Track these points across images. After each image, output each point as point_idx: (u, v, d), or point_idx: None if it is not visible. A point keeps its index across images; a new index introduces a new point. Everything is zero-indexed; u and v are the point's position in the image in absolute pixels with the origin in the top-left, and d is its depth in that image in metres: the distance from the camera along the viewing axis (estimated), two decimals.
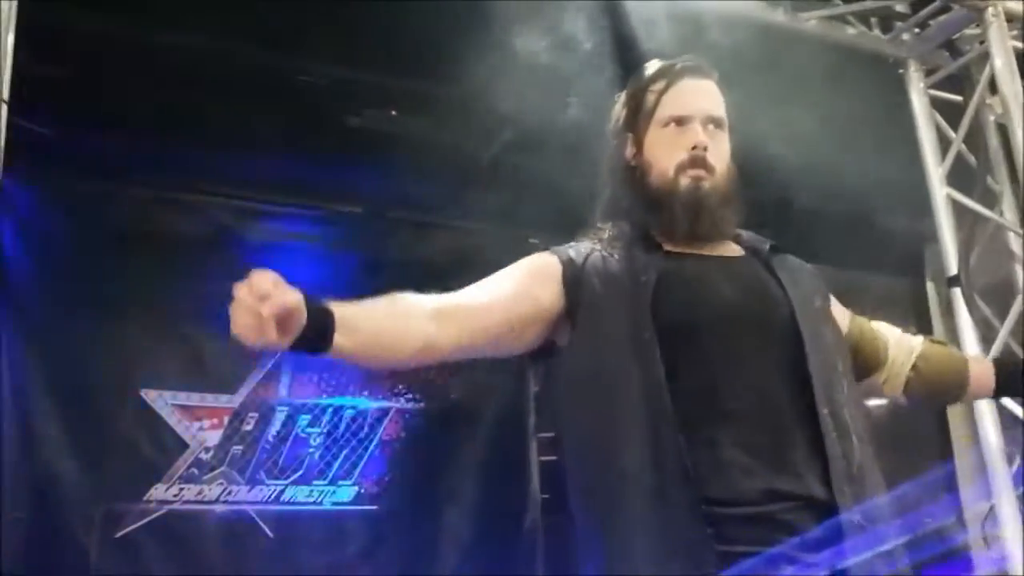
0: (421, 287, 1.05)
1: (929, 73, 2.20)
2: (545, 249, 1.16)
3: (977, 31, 2.04)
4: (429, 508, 2.73)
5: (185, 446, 2.52)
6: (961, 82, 2.13)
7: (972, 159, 2.15)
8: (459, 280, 1.10)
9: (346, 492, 2.71)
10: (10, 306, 2.33)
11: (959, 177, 2.18)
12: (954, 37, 2.11)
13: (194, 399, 2.56)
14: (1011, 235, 2.05)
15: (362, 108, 2.53)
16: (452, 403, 2.87)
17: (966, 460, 2.69)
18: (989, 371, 1.33)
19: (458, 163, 2.56)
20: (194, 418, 2.55)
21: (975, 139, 2.10)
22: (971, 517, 2.19)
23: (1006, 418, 1.92)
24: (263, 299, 0.85)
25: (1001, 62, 1.93)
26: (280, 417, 2.68)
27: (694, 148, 1.11)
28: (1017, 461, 1.88)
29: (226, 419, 2.60)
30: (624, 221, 1.16)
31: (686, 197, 1.11)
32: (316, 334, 0.93)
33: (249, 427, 2.63)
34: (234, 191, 2.62)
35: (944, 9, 2.07)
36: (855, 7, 2.05)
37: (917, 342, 1.29)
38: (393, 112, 2.56)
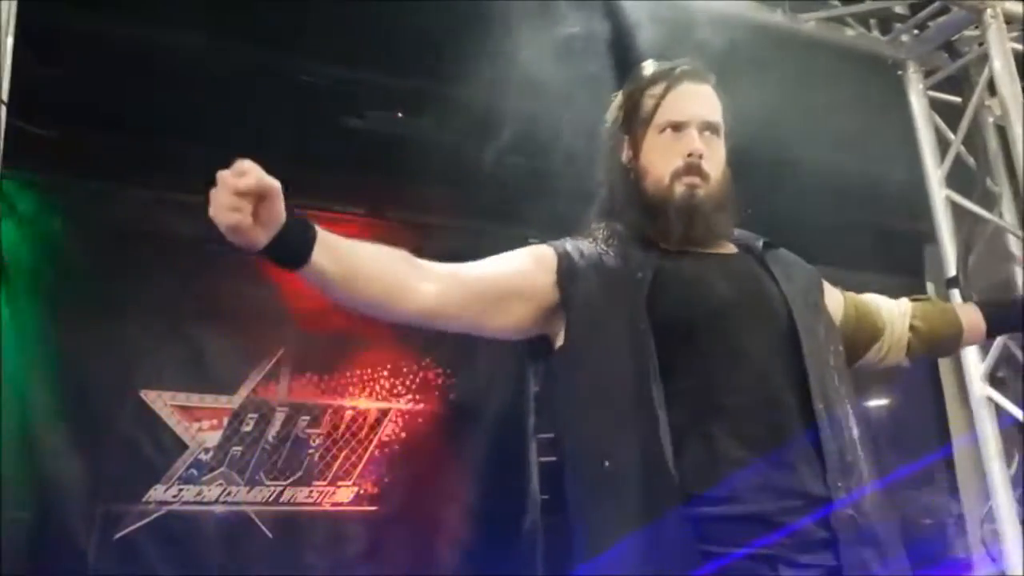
0: None
1: (928, 74, 2.20)
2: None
3: (976, 32, 2.04)
4: (428, 509, 2.73)
5: (184, 447, 2.51)
6: (960, 84, 2.13)
7: (971, 161, 2.16)
8: None
9: (346, 493, 2.70)
10: (9, 306, 2.32)
11: (958, 179, 2.18)
12: (953, 38, 2.11)
13: (194, 400, 2.55)
14: (1010, 237, 2.05)
15: (363, 109, 2.53)
16: (452, 404, 2.87)
17: (966, 460, 2.70)
18: (978, 315, 1.37)
19: (459, 164, 2.56)
20: (194, 419, 2.55)
21: (974, 141, 2.11)
22: (971, 517, 2.19)
23: (1004, 418, 1.92)
24: (241, 174, 0.88)
25: (1000, 63, 1.93)
26: (280, 418, 2.68)
27: (690, 155, 1.12)
28: (1015, 461, 1.89)
29: (226, 420, 2.59)
30: (619, 222, 1.16)
31: (681, 204, 1.12)
32: (295, 241, 0.94)
33: (248, 428, 2.63)
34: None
35: (943, 11, 2.07)
36: (854, 8, 2.05)
37: (905, 304, 1.32)
38: (394, 113, 2.57)
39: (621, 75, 1.33)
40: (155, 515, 2.41)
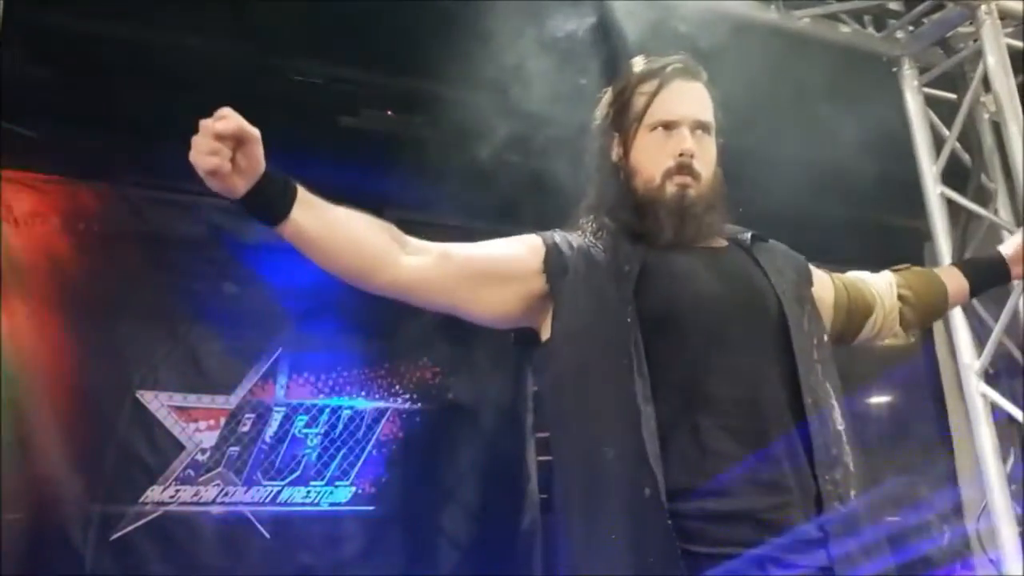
0: None
1: (923, 71, 2.19)
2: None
3: (971, 29, 2.04)
4: (426, 509, 2.73)
5: (181, 447, 2.51)
6: (955, 80, 2.13)
7: (966, 157, 2.15)
8: None
9: (343, 493, 2.70)
10: (4, 308, 2.32)
11: (954, 175, 2.18)
12: (948, 35, 2.10)
13: (190, 400, 2.55)
14: (1006, 233, 2.05)
15: (358, 108, 2.53)
16: (450, 403, 2.87)
17: (966, 459, 2.69)
18: (960, 276, 1.38)
19: (455, 162, 2.55)
20: (190, 419, 2.55)
21: (969, 137, 2.10)
22: (971, 516, 2.19)
23: (1001, 416, 1.92)
24: (220, 119, 0.91)
25: (994, 60, 1.93)
26: (277, 418, 2.68)
27: (681, 155, 1.12)
28: (1011, 459, 1.88)
29: (223, 420, 2.59)
30: (608, 217, 1.16)
31: (672, 204, 1.11)
32: (274, 194, 0.95)
33: (246, 428, 2.63)
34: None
35: (938, 7, 2.07)
36: (848, 5, 2.05)
37: (889, 276, 1.32)
38: (389, 112, 2.56)
39: (612, 71, 1.33)
40: (152, 516, 2.41)
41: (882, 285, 1.30)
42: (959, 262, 1.46)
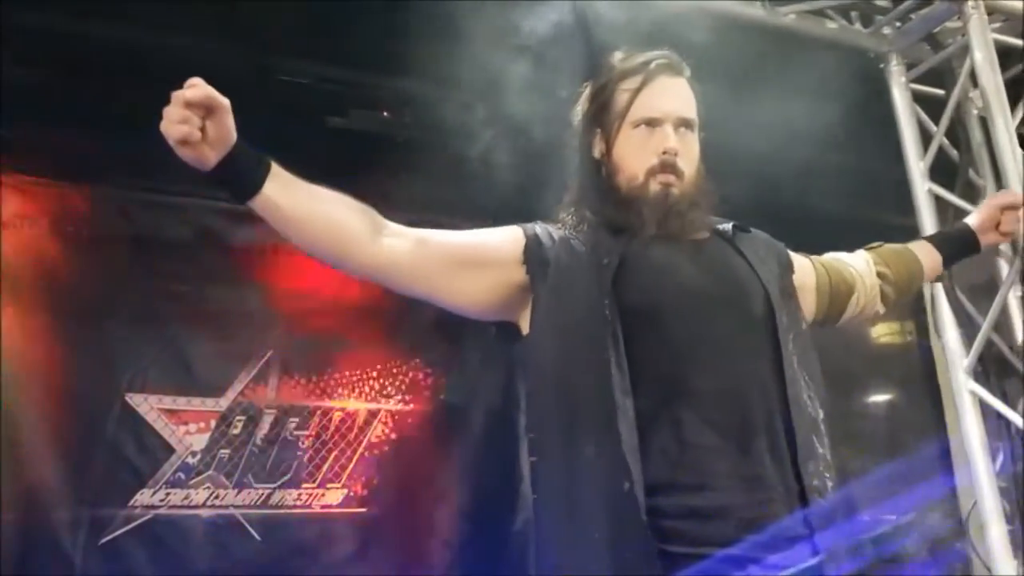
0: None
1: (911, 67, 2.19)
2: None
3: (958, 24, 2.04)
4: (419, 510, 2.72)
5: (171, 450, 2.50)
6: (943, 76, 2.13)
7: (955, 153, 2.15)
8: None
9: (335, 495, 2.69)
10: None
11: (944, 172, 2.17)
12: (935, 31, 2.10)
13: (180, 403, 2.54)
14: None
15: (347, 108, 2.52)
16: (441, 404, 2.86)
17: (963, 456, 2.68)
18: (932, 250, 1.40)
19: (444, 162, 2.55)
20: (180, 422, 2.54)
21: (957, 133, 2.10)
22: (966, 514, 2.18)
23: (990, 415, 1.92)
24: (190, 87, 0.92)
25: (981, 55, 1.92)
26: (268, 420, 2.67)
27: (665, 153, 1.11)
28: (1000, 457, 1.88)
29: (213, 422, 2.58)
30: (589, 211, 1.16)
31: (655, 203, 1.11)
32: (246, 166, 0.95)
33: (236, 430, 2.62)
34: (217, 192, 2.59)
35: (925, 3, 2.07)
36: (834, 1, 2.05)
37: (865, 254, 1.33)
38: (379, 112, 2.56)
39: (593, 66, 1.32)
40: (142, 519, 2.39)
41: (860, 264, 1.31)
42: (929, 236, 1.47)
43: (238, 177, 0.97)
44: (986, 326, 1.92)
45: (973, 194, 2.12)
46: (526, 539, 2.77)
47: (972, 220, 1.50)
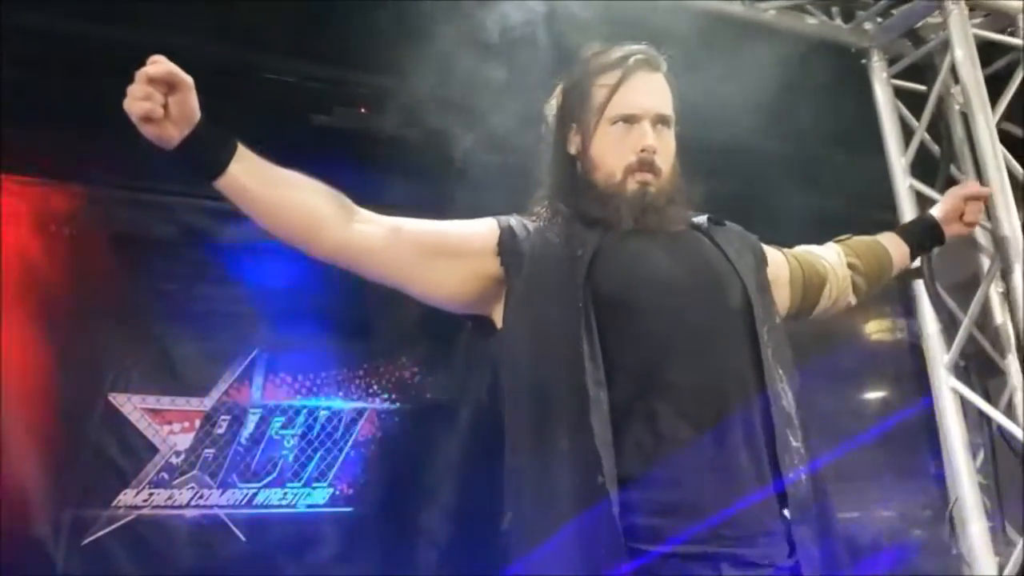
0: None
1: (892, 63, 2.19)
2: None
3: (940, 19, 2.03)
4: (405, 509, 2.71)
5: (155, 450, 2.49)
6: (924, 71, 2.12)
7: (937, 149, 2.14)
8: None
9: (321, 494, 2.68)
10: None
11: (926, 168, 2.17)
12: (917, 26, 2.10)
13: (164, 402, 2.53)
14: (976, 227, 2.04)
15: (331, 105, 2.51)
16: (428, 402, 2.85)
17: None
18: (900, 241, 1.41)
19: (429, 160, 2.54)
20: (164, 421, 2.53)
21: (939, 129, 2.10)
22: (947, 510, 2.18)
23: (973, 412, 1.91)
24: (152, 63, 0.92)
25: (962, 52, 1.92)
26: (253, 419, 2.66)
27: (643, 151, 1.10)
28: (981, 454, 1.87)
29: (197, 422, 2.57)
30: (564, 205, 1.15)
31: (632, 200, 1.10)
32: (210, 144, 0.95)
33: (221, 430, 2.61)
34: (202, 191, 2.58)
35: None
36: None
37: (835, 246, 1.34)
38: (362, 109, 2.55)
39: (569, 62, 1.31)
40: (125, 519, 2.38)
41: (831, 256, 1.31)
42: (897, 228, 1.48)
43: (202, 155, 0.96)
44: (967, 322, 1.92)
45: None
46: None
47: (936, 211, 1.52)
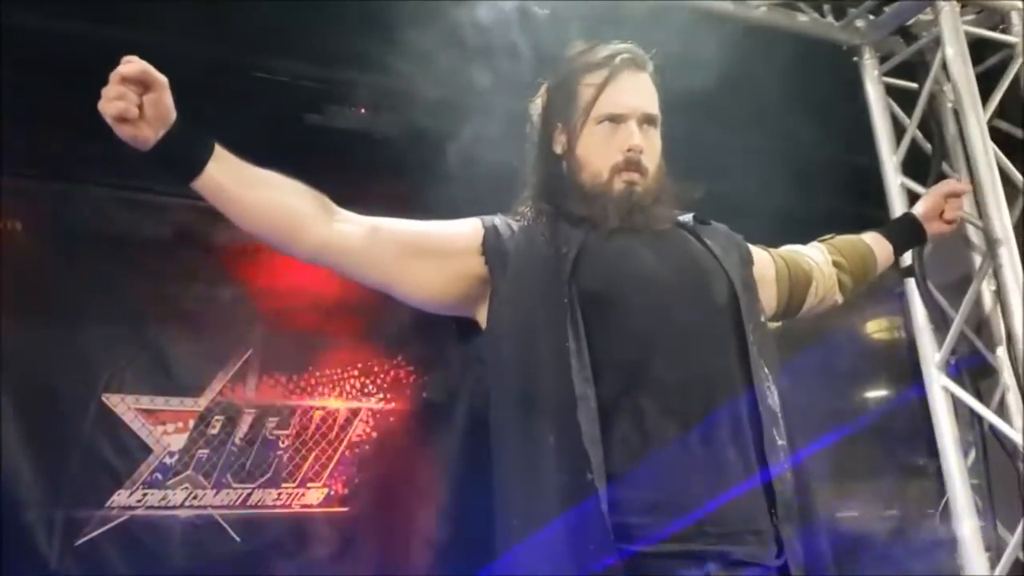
0: None
1: (884, 60, 2.19)
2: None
3: (931, 16, 2.03)
4: (401, 509, 2.70)
5: (149, 451, 2.48)
6: (916, 69, 2.12)
7: (928, 147, 2.14)
8: None
9: (315, 495, 2.68)
10: None
11: (919, 166, 2.16)
12: (908, 23, 2.10)
13: (158, 403, 2.52)
14: (968, 225, 2.03)
15: (324, 105, 2.51)
16: (423, 402, 2.85)
17: None
18: (883, 239, 1.42)
19: (423, 160, 2.54)
20: (158, 422, 2.52)
21: (930, 127, 2.09)
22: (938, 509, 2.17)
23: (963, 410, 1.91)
24: (126, 63, 0.92)
25: (953, 49, 1.92)
26: (247, 419, 2.65)
27: (630, 151, 1.10)
28: (972, 453, 1.87)
29: (191, 422, 2.56)
30: (548, 203, 1.14)
31: (619, 200, 1.10)
32: (187, 145, 0.95)
33: (215, 430, 2.60)
34: (195, 191, 2.58)
35: None
36: None
37: (819, 245, 1.34)
38: (356, 109, 2.55)
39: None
40: (118, 520, 2.38)
41: (816, 254, 1.31)
42: (879, 228, 1.49)
43: (179, 156, 0.96)
44: (958, 320, 1.91)
45: None
46: None
47: (918, 209, 1.53)
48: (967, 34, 1.97)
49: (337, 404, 2.77)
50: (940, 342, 1.96)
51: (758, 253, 1.24)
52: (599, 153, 1.12)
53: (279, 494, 2.63)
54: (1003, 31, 2.13)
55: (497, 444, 1.07)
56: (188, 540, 2.46)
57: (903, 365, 3.29)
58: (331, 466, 2.72)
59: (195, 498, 2.52)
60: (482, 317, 1.10)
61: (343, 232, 1.04)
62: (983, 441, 1.88)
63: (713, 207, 1.20)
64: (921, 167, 2.13)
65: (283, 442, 2.69)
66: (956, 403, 1.89)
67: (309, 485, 2.68)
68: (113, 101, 0.92)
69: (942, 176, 2.02)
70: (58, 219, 2.47)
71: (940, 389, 1.88)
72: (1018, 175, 2.04)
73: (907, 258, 2.00)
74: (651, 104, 1.14)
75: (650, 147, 1.13)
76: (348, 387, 2.79)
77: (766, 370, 1.05)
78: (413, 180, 2.61)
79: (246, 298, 2.62)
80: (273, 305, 2.64)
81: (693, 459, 0.96)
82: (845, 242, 1.36)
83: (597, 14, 1.76)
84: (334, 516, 2.66)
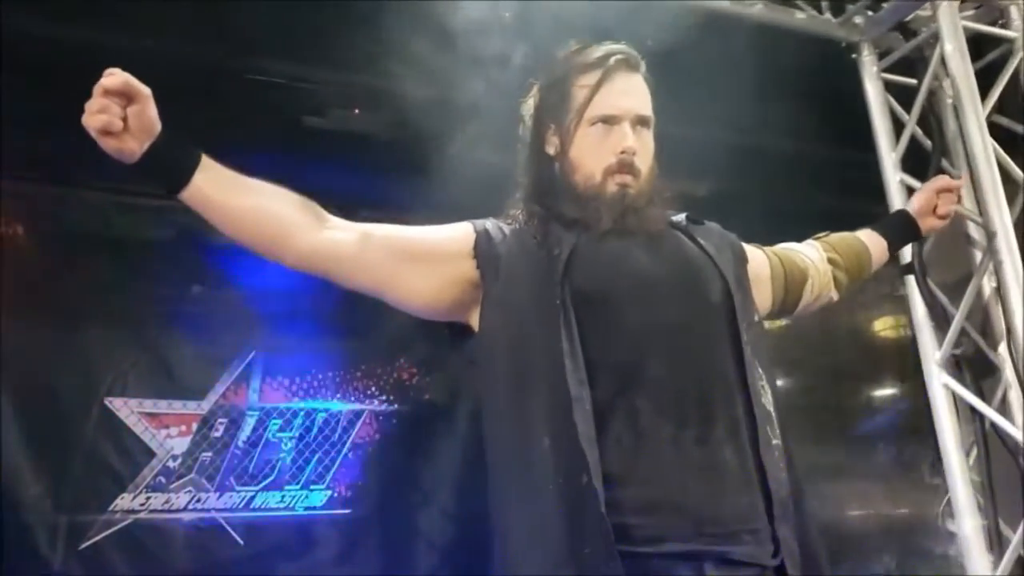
0: None
1: (883, 56, 2.18)
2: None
3: (930, 12, 2.02)
4: (403, 511, 2.71)
5: (152, 454, 2.49)
6: (915, 65, 2.11)
7: (928, 143, 2.13)
8: None
9: (318, 497, 2.68)
10: None
11: (918, 162, 2.15)
12: (907, 19, 2.09)
13: (161, 406, 2.53)
14: (969, 222, 2.02)
15: (322, 107, 2.51)
16: (426, 404, 2.85)
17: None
18: (877, 236, 1.42)
19: (423, 162, 2.54)
20: (161, 425, 2.53)
21: (929, 123, 2.09)
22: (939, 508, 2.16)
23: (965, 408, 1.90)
24: (109, 76, 0.92)
25: (951, 45, 1.91)
26: (250, 422, 2.66)
27: (623, 153, 1.10)
28: (974, 451, 1.85)
29: (194, 425, 2.57)
30: (540, 206, 1.14)
31: (612, 202, 1.10)
32: (172, 156, 0.94)
33: (218, 433, 2.60)
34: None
35: None
36: None
37: (814, 243, 1.34)
38: (354, 111, 2.55)
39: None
40: (122, 524, 2.38)
41: (811, 251, 1.31)
42: (874, 224, 1.48)
43: (165, 167, 0.95)
44: (959, 317, 1.91)
45: None
46: None
47: (911, 205, 1.52)
48: (966, 29, 1.96)
49: (340, 406, 2.78)
50: (941, 340, 1.95)
51: (752, 252, 1.23)
52: (592, 155, 1.11)
53: (282, 497, 2.64)
54: (1002, 26, 2.12)
55: (491, 444, 1.06)
56: (191, 543, 2.46)
57: (908, 363, 3.28)
58: (334, 468, 2.73)
59: (198, 501, 2.52)
60: (475, 321, 1.09)
61: (332, 239, 1.03)
62: (984, 439, 1.86)
63: (711, 205, 1.20)
64: (920, 163, 2.12)
65: (286, 444, 2.69)
66: (957, 400, 1.88)
67: (312, 487, 2.69)
68: (96, 114, 0.92)
69: (942, 172, 2.01)
70: (59, 222, 2.48)
71: (941, 387, 1.87)
72: (1018, 171, 2.02)
73: (907, 255, 1.99)
74: (644, 105, 1.14)
75: (643, 149, 1.12)
76: (351, 389, 2.79)
77: (760, 369, 1.05)
78: (413, 181, 2.62)
79: (249, 301, 2.62)
80: (276, 307, 2.64)
81: (689, 459, 0.96)
82: (840, 239, 1.36)
83: (593, 13, 1.76)
84: (337, 518, 2.66)
